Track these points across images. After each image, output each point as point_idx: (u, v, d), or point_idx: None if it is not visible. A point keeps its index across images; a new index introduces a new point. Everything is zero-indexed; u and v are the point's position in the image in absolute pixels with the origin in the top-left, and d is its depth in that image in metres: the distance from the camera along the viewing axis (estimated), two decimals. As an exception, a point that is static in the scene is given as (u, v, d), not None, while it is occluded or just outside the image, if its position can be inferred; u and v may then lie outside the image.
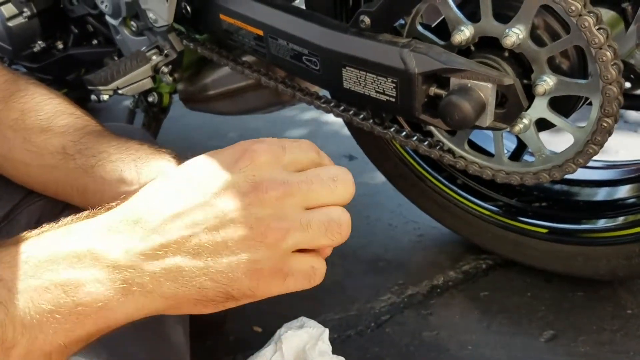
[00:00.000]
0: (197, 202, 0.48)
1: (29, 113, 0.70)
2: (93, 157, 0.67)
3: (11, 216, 0.74)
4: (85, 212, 0.51)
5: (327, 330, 0.86)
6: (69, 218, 0.51)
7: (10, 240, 0.49)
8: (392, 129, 1.01)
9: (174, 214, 0.47)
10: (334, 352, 0.85)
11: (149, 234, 0.47)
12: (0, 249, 0.48)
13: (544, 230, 1.14)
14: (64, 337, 0.47)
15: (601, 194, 1.17)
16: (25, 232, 0.50)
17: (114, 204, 0.50)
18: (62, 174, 0.68)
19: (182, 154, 0.69)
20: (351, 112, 1.02)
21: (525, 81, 0.88)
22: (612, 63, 0.81)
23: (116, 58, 1.33)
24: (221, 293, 0.48)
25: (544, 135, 0.95)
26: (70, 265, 0.47)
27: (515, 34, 0.83)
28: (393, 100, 0.92)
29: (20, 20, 1.34)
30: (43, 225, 0.50)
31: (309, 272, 0.49)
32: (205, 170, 0.49)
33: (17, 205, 0.74)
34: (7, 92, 0.71)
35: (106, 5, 1.20)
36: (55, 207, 0.73)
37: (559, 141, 1.00)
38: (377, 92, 0.93)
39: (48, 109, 0.71)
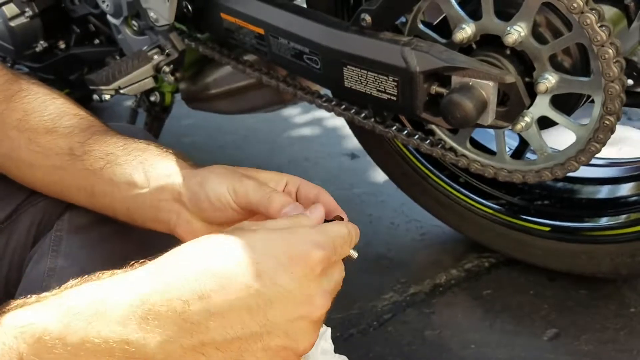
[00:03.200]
0: (245, 306, 0.47)
1: (33, 113, 0.70)
2: (101, 159, 0.66)
3: (13, 217, 0.74)
4: (120, 273, 0.49)
5: (329, 329, 0.85)
6: (102, 278, 0.48)
7: (31, 318, 0.46)
8: (393, 128, 1.01)
9: (220, 314, 0.46)
10: (337, 350, 0.85)
11: (191, 329, 0.46)
12: (22, 327, 0.45)
13: (547, 229, 1.14)
14: None
15: (604, 192, 1.16)
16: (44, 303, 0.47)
17: (149, 263, 0.49)
18: (68, 175, 0.68)
19: (185, 155, 0.69)
20: (352, 111, 1.02)
21: (527, 79, 0.87)
22: (614, 60, 0.80)
23: (118, 57, 1.33)
24: None
25: (545, 133, 0.95)
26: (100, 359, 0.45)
27: (516, 32, 0.83)
28: (394, 98, 0.91)
29: (22, 20, 1.34)
30: (64, 290, 0.48)
31: None
32: (255, 266, 0.47)
33: (19, 206, 0.74)
34: (8, 92, 0.71)
35: (107, 5, 1.20)
36: (58, 208, 0.73)
37: (561, 139, 0.99)
38: (378, 90, 0.93)
39: (52, 109, 0.70)
